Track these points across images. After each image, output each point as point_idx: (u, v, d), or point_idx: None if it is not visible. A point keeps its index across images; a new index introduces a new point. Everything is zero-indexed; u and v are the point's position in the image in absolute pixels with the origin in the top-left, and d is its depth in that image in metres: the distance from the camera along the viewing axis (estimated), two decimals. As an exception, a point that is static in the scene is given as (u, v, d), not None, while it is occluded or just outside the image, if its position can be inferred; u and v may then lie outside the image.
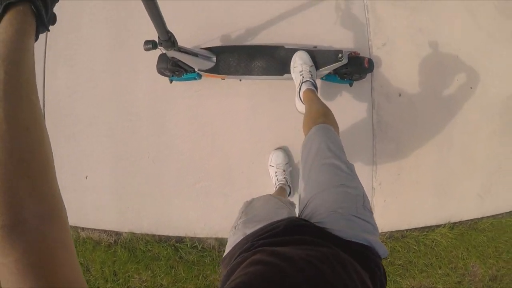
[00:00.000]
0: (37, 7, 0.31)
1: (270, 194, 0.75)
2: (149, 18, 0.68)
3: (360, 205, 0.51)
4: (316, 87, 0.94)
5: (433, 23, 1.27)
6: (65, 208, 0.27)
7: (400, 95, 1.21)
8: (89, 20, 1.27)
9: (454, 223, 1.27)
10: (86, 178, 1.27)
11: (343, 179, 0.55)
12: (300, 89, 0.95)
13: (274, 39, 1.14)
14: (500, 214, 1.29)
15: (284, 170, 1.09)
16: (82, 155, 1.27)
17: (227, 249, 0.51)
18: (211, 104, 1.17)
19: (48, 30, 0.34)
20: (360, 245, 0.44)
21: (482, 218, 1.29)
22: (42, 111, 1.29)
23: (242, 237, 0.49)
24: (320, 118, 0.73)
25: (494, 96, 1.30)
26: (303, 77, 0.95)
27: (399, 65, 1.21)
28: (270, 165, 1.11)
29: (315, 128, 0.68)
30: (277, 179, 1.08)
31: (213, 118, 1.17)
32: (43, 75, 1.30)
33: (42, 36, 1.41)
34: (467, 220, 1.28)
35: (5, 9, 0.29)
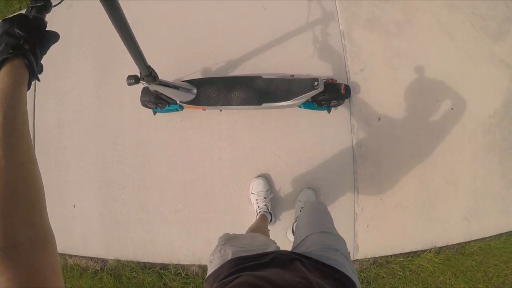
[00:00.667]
0: (29, 61, 0.37)
1: (255, 233, 0.76)
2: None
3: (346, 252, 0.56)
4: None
5: (410, 46, 1.29)
6: (54, 236, 0.30)
7: (379, 119, 1.22)
8: (76, 55, 1.33)
9: (440, 248, 1.24)
10: (74, 206, 1.30)
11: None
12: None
13: (253, 69, 1.18)
14: (488, 237, 1.27)
15: (265, 197, 1.10)
16: (70, 184, 1.30)
17: (211, 269, 0.52)
18: (192, 134, 1.20)
19: (38, 80, 0.40)
20: (343, 275, 0.46)
21: (469, 241, 1.25)
22: (33, 143, 1.35)
23: (230, 258, 0.50)
24: None
25: (476, 116, 1.30)
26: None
27: (377, 89, 1.23)
28: (251, 193, 1.13)
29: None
30: (258, 206, 1.09)
31: (195, 147, 1.20)
32: (33, 107, 1.36)
33: None
34: (453, 244, 1.25)
35: (2, 63, 0.35)
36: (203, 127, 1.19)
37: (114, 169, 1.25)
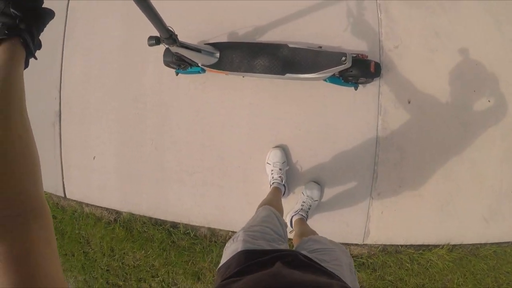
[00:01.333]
0: (25, 40, 0.37)
1: (270, 208, 0.76)
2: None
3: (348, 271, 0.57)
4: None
5: (452, 26, 1.19)
6: (49, 210, 0.30)
7: (409, 102, 1.16)
8: (104, 13, 1.34)
9: (454, 246, 1.18)
10: (94, 158, 1.35)
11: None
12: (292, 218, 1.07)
13: (281, 37, 1.14)
14: (505, 242, 1.19)
15: (280, 169, 1.09)
16: (91, 137, 1.35)
17: (223, 259, 0.54)
18: (214, 97, 1.19)
19: (35, 58, 0.40)
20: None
21: (485, 244, 1.19)
22: (59, 95, 1.40)
23: (240, 250, 0.52)
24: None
25: (514, 112, 1.20)
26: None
27: (411, 70, 1.15)
28: (267, 163, 1.12)
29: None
30: (273, 177, 1.08)
31: (215, 111, 1.19)
32: (60, 62, 1.40)
33: (60, 27, 1.50)
34: (468, 244, 1.19)
35: None
36: (225, 91, 1.18)
37: (134, 126, 1.28)
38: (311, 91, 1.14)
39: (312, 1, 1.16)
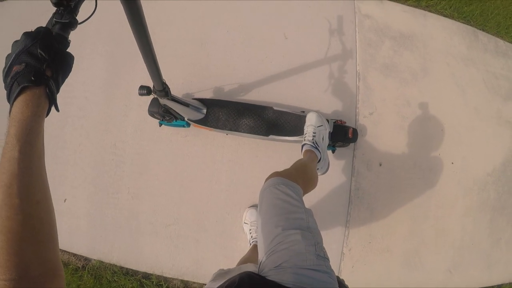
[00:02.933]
0: (51, 91, 0.34)
1: (245, 265, 0.74)
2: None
3: (312, 256, 0.50)
4: (316, 148, 0.93)
5: (422, 96, 1.30)
6: (63, 270, 0.32)
7: (380, 164, 1.24)
8: (90, 52, 1.31)
9: None
10: (65, 201, 1.29)
11: (279, 238, 0.54)
12: (302, 146, 0.97)
13: (265, 97, 1.18)
14: None
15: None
16: (64, 179, 1.29)
17: None
18: (195, 151, 1.20)
19: (58, 110, 0.37)
20: None
21: None
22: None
23: None
24: (282, 173, 0.70)
25: (474, 173, 1.33)
26: (304, 138, 0.99)
27: (383, 135, 1.24)
28: (245, 223, 1.13)
29: (265, 184, 0.67)
30: (251, 236, 1.09)
31: (195, 165, 1.20)
32: None
33: None
34: None
35: (22, 90, 0.32)
36: (207, 146, 1.19)
37: (111, 172, 1.24)
38: (290, 152, 1.18)
39: (296, 64, 1.22)
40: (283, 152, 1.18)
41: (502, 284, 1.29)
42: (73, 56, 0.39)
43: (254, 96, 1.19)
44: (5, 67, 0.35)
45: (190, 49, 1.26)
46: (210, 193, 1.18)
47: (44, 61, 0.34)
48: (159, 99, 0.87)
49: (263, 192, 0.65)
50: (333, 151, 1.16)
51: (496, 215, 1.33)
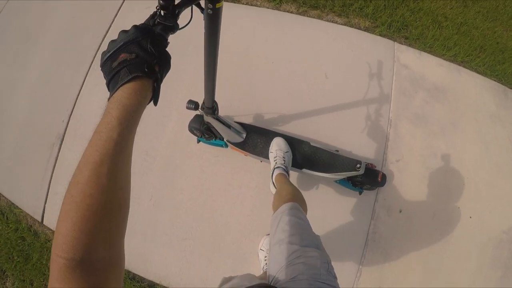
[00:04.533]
0: (158, 85, 0.35)
1: (250, 274, 0.77)
2: (203, 85, 0.71)
3: (324, 272, 0.54)
4: (287, 172, 1.01)
5: (448, 149, 1.33)
6: (125, 259, 0.31)
7: (400, 211, 1.25)
8: None
9: None
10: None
11: (298, 253, 0.58)
12: (272, 173, 1.03)
13: (300, 132, 1.21)
14: None
15: (272, 255, 1.11)
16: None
17: None
18: (223, 172, 1.22)
19: (156, 105, 0.38)
20: None
21: None
22: (67, 119, 1.37)
23: None
24: (288, 196, 0.78)
25: (491, 229, 1.32)
26: (276, 162, 1.04)
27: (406, 183, 1.26)
28: (261, 249, 1.13)
29: (281, 208, 0.73)
30: (266, 264, 1.10)
31: (221, 186, 1.22)
32: (80, 86, 1.39)
33: (91, 50, 1.51)
34: None
35: (132, 78, 0.33)
36: (236, 169, 1.22)
37: (137, 177, 1.27)
38: (316, 186, 1.20)
39: (333, 105, 1.26)
40: (309, 185, 1.20)
41: None
42: (170, 56, 0.39)
43: (290, 129, 1.23)
44: (108, 51, 0.35)
45: (234, 73, 1.31)
46: (231, 215, 1.20)
47: (154, 57, 0.35)
48: (204, 116, 0.90)
49: (280, 214, 0.71)
50: (360, 193, 1.18)
51: (508, 274, 1.32)
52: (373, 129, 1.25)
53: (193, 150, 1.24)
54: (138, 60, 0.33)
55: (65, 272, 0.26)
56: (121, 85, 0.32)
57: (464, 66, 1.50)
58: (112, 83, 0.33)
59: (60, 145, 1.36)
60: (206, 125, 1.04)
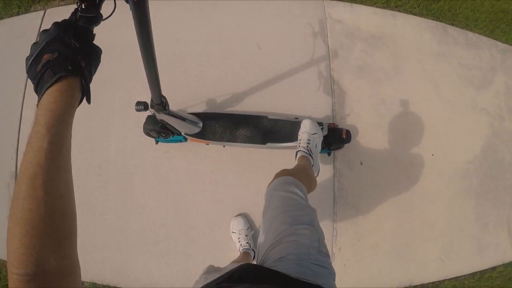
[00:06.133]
0: (86, 81, 0.33)
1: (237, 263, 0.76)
2: (145, 81, 0.69)
3: (314, 251, 0.52)
4: (310, 155, 0.97)
5: (396, 93, 1.34)
6: (80, 267, 0.31)
7: (361, 163, 1.27)
8: None
9: (415, 286, 1.28)
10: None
11: (288, 231, 0.57)
12: (296, 153, 1.00)
13: (257, 108, 1.20)
14: (462, 275, 1.32)
15: (246, 235, 1.12)
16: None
17: None
18: (177, 165, 1.21)
19: (89, 103, 0.35)
20: (308, 285, 0.45)
21: (443, 280, 1.31)
22: (15, 155, 1.33)
23: (202, 285, 0.50)
24: (287, 171, 0.74)
25: (455, 163, 1.36)
26: (299, 145, 1.02)
27: (361, 135, 1.27)
28: (232, 232, 1.14)
29: (273, 183, 0.70)
30: (241, 245, 1.10)
31: (179, 179, 1.21)
32: (19, 119, 1.34)
33: (21, 83, 1.45)
34: (428, 283, 1.30)
35: (58, 79, 0.31)
36: (189, 159, 1.20)
37: (96, 193, 1.24)
38: (271, 159, 1.21)
39: (272, 75, 1.25)
40: (264, 160, 1.20)
41: (496, 266, 1.32)
42: (101, 49, 0.37)
43: (247, 107, 1.21)
44: (31, 55, 0.33)
45: (167, 64, 1.28)
46: (196, 206, 1.19)
47: (79, 52, 0.33)
48: (157, 114, 0.86)
49: (272, 190, 0.68)
50: (329, 154, 1.19)
51: (481, 200, 1.37)
52: (317, 89, 1.25)
53: (142, 152, 1.22)
54: (61, 59, 0.31)
55: (21, 287, 0.26)
56: (46, 89, 0.30)
57: (399, 10, 1.50)
58: (39, 88, 0.32)
59: (15, 182, 1.32)
60: (161, 123, 1.01)
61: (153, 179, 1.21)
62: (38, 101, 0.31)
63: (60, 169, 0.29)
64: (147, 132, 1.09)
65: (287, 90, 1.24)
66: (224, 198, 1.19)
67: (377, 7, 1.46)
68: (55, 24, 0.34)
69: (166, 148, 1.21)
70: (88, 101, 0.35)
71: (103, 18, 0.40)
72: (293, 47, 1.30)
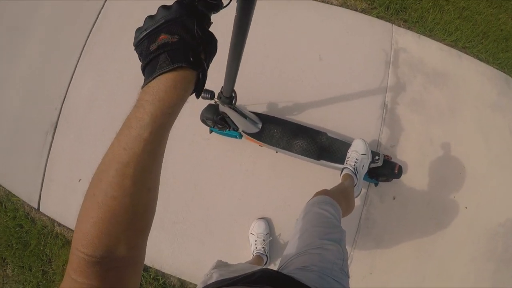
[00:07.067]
0: (204, 78, 0.30)
1: (248, 264, 0.77)
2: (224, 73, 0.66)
3: (337, 268, 0.53)
4: (355, 174, 0.96)
5: (445, 136, 1.29)
6: (144, 258, 0.31)
7: (394, 198, 1.23)
8: (130, 38, 1.35)
9: None
10: (79, 181, 1.32)
11: (316, 244, 0.58)
12: (342, 170, 1.01)
13: (315, 122, 1.19)
14: None
15: (264, 240, 1.11)
16: (82, 160, 1.32)
17: (199, 286, 0.52)
18: (214, 156, 1.21)
19: (198, 98, 0.32)
20: None
21: None
22: (60, 107, 1.37)
23: (216, 279, 0.50)
24: (328, 191, 0.77)
25: (487, 221, 1.30)
26: (346, 162, 1.02)
27: (403, 169, 1.23)
28: (251, 233, 1.13)
29: (313, 200, 0.73)
30: (256, 248, 1.09)
31: (212, 169, 1.21)
32: (72, 73, 1.38)
33: (82, 38, 1.49)
34: None
35: (175, 68, 0.27)
36: (227, 153, 1.20)
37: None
38: (308, 174, 1.19)
39: (328, 90, 1.23)
40: (301, 172, 1.19)
41: None
42: (216, 40, 0.33)
43: (305, 119, 1.20)
44: (145, 29, 0.30)
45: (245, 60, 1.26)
46: (222, 199, 1.19)
47: (201, 42, 0.29)
48: (220, 105, 0.84)
49: (310, 205, 0.71)
50: (376, 184, 1.17)
51: (502, 267, 1.30)
52: (368, 113, 1.22)
53: (182, 134, 1.23)
54: (182, 45, 0.28)
55: (84, 266, 0.25)
56: (159, 74, 0.28)
57: (466, 52, 1.45)
58: (148, 69, 0.29)
59: (54, 132, 1.36)
60: (221, 115, 0.99)
61: (187, 162, 1.22)
62: (145, 83, 0.28)
63: (153, 163, 0.28)
64: (204, 119, 1.07)
65: (338, 106, 1.22)
66: (251, 198, 1.18)
67: (445, 44, 1.41)
68: (179, 3, 0.30)
69: (207, 135, 1.21)
70: (198, 95, 0.32)
71: (223, 5, 0.34)
72: (354, 65, 1.27)
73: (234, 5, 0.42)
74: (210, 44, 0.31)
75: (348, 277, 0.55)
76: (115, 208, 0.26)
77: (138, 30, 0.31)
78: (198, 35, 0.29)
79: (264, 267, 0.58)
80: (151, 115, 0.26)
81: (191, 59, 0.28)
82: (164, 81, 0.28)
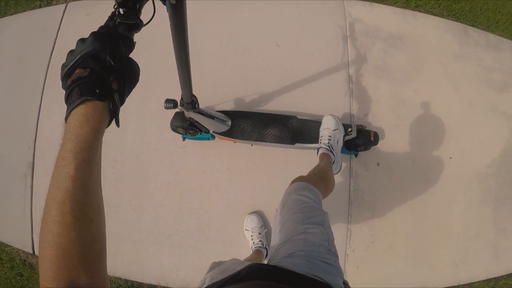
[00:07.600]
0: (115, 106, 0.31)
1: (239, 259, 0.76)
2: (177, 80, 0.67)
3: (323, 250, 0.53)
4: (331, 151, 0.97)
5: (415, 94, 1.32)
6: (109, 282, 0.32)
7: (378, 164, 1.24)
8: None
9: None
10: (68, 216, 1.30)
11: (299, 230, 0.58)
12: (318, 149, 1.00)
13: (286, 108, 1.19)
14: (477, 282, 1.29)
15: (259, 233, 1.11)
16: (66, 195, 1.30)
17: None
18: (193, 161, 1.21)
19: (118, 126, 0.33)
20: (317, 282, 0.45)
21: (457, 286, 1.28)
22: (33, 146, 1.35)
23: (208, 284, 0.50)
24: (305, 178, 0.77)
25: (473, 166, 1.33)
26: (320, 141, 1.02)
27: (379, 135, 1.24)
28: (246, 229, 1.13)
29: (289, 188, 0.73)
30: (254, 243, 1.10)
31: (194, 175, 1.21)
32: (38, 110, 1.36)
33: (42, 71, 1.47)
34: None
35: (84, 101, 0.29)
36: (204, 156, 1.20)
37: (111, 186, 1.25)
38: (287, 158, 1.19)
39: (290, 73, 1.23)
40: (279, 158, 1.19)
41: (511, 273, 1.28)
42: (139, 67, 0.35)
43: (274, 107, 1.20)
44: (66, 64, 0.31)
45: (206, 61, 1.26)
46: (210, 202, 1.19)
47: (112, 72, 0.31)
48: (185, 112, 0.86)
49: (286, 195, 0.71)
50: (356, 155, 1.17)
51: (499, 206, 1.33)
52: (335, 89, 1.24)
53: (159, 147, 1.22)
54: (92, 78, 0.30)
55: None
56: (72, 109, 0.29)
57: (419, 11, 1.47)
58: (68, 103, 0.31)
59: (32, 173, 1.34)
60: (189, 121, 1.00)
61: (169, 174, 1.21)
62: (66, 118, 0.30)
63: (89, 195, 0.29)
64: (174, 128, 1.08)
65: (305, 89, 1.23)
66: (239, 195, 1.18)
67: (397, 6, 1.43)
68: (94, 35, 0.31)
69: (182, 143, 1.21)
70: (117, 124, 0.33)
71: (143, 24, 0.36)
72: (312, 45, 1.29)
73: (166, 16, 0.43)
74: (126, 71, 0.32)
75: (337, 257, 0.54)
76: (64, 244, 0.27)
77: (62, 66, 0.33)
78: (110, 66, 0.30)
79: (258, 262, 0.56)
80: (72, 153, 0.28)
81: (98, 91, 0.29)
82: (77, 117, 0.29)
